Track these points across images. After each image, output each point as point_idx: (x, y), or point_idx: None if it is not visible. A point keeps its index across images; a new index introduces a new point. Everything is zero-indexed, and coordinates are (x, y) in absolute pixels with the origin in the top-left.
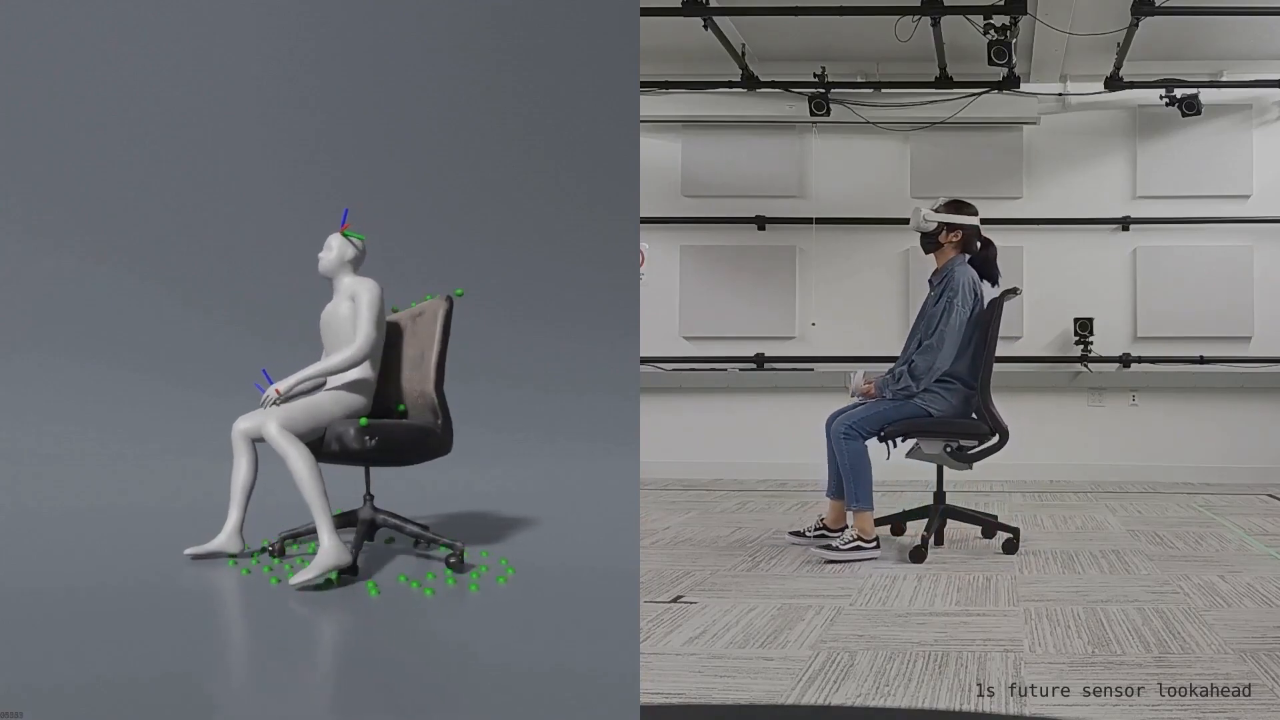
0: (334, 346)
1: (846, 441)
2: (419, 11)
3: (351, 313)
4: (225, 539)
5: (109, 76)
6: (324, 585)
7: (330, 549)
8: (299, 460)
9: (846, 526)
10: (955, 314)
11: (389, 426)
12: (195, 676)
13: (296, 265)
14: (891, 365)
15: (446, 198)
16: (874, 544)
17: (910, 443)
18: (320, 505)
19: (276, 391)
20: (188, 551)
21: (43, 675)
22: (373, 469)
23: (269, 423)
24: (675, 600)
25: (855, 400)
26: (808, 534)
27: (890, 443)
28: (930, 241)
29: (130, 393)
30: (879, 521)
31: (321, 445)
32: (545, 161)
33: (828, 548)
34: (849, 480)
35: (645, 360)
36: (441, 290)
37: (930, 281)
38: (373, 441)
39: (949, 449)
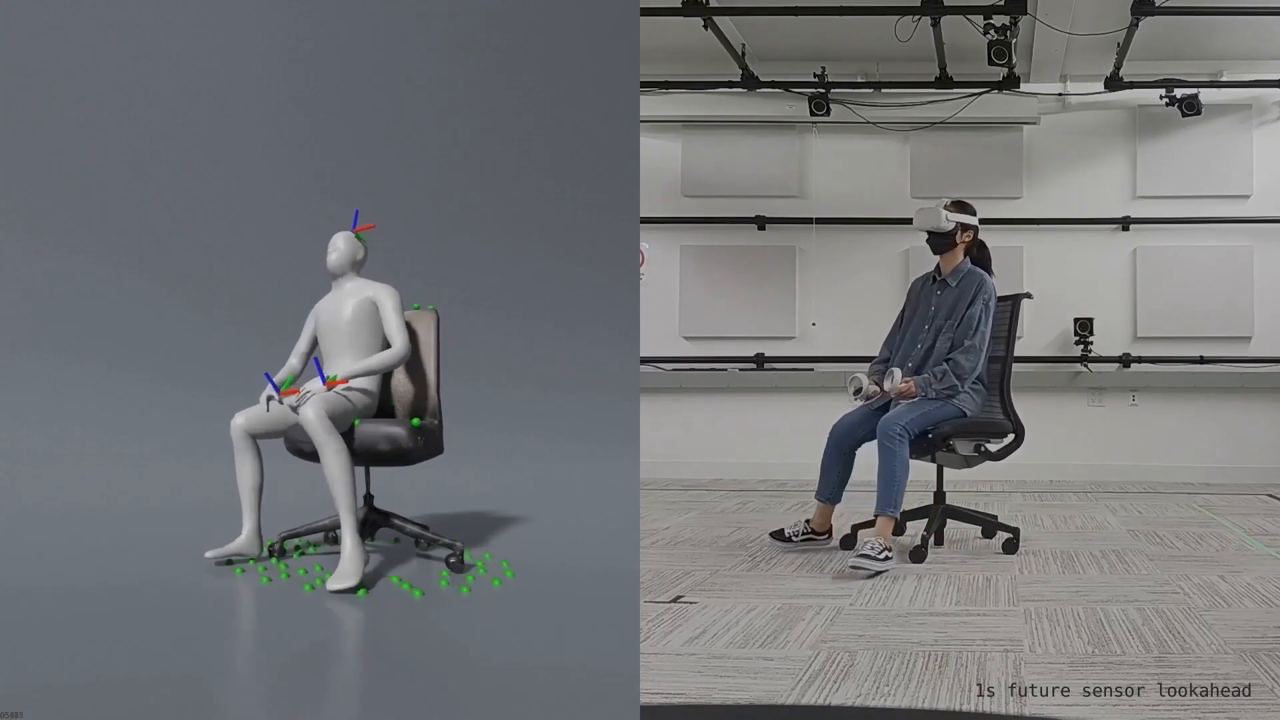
0: (334, 346)
1: (900, 444)
2: (419, 11)
3: (357, 315)
4: (244, 542)
5: (109, 76)
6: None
7: (358, 553)
8: (337, 454)
9: (839, 533)
10: (990, 317)
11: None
12: (196, 676)
13: (296, 265)
14: (895, 365)
15: (446, 198)
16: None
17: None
18: (349, 504)
19: (328, 385)
20: (208, 555)
21: (43, 675)
22: (372, 469)
23: (310, 409)
24: (675, 600)
25: (861, 402)
26: (794, 538)
27: (946, 445)
28: (944, 241)
29: (130, 393)
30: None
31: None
32: (545, 161)
33: (867, 557)
34: (889, 484)
35: (645, 360)
36: (438, 291)
37: (944, 280)
38: (422, 441)
39: (979, 449)
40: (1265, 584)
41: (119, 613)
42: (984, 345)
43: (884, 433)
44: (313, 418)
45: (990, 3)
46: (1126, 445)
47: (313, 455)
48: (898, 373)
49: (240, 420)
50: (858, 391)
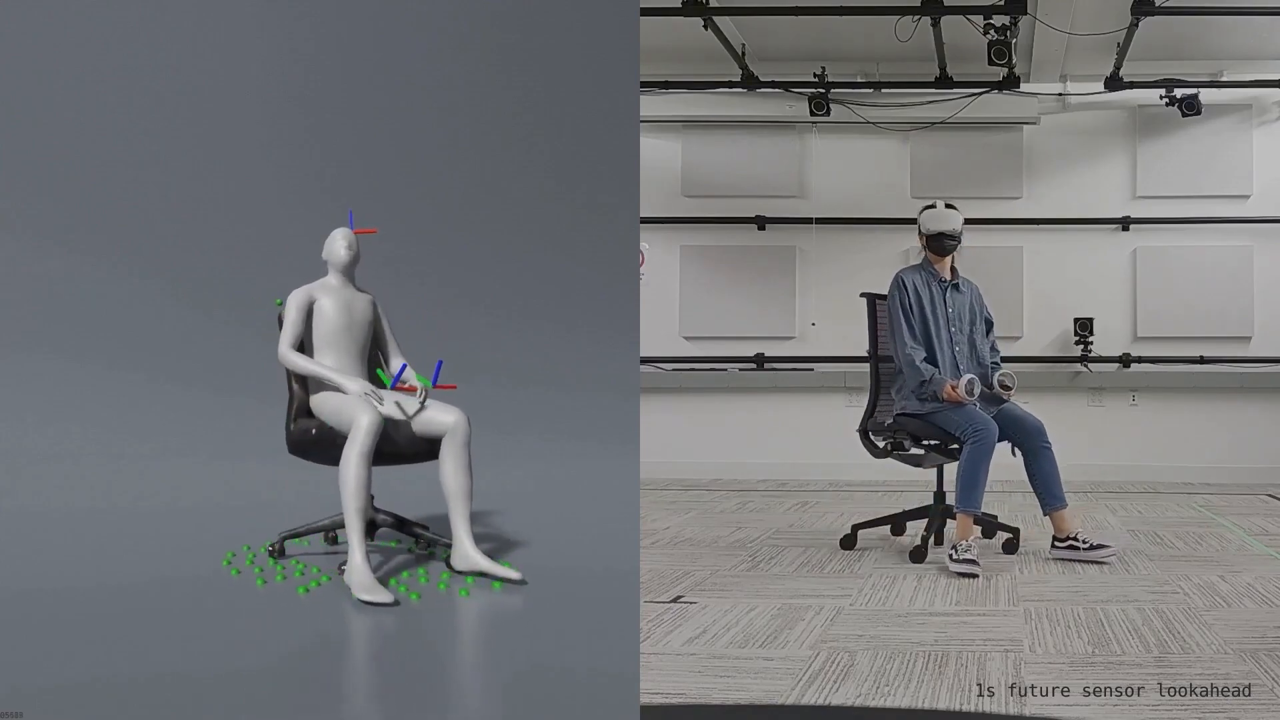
0: (345, 347)
1: None
2: (419, 12)
3: (370, 319)
4: (370, 577)
5: (109, 76)
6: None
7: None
8: (469, 464)
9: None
10: None
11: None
12: (195, 676)
13: (296, 265)
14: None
15: (446, 198)
16: None
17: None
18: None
19: (447, 387)
20: (366, 599)
21: (43, 675)
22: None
23: (460, 416)
24: (675, 600)
25: (971, 400)
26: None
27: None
28: (955, 244)
29: (130, 393)
30: (880, 521)
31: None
32: (545, 161)
33: (1092, 547)
34: (1059, 479)
35: (645, 360)
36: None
37: (954, 284)
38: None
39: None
40: (1265, 584)
41: (119, 613)
42: None
43: (1041, 435)
44: (468, 426)
45: (990, 3)
46: (1126, 445)
47: (389, 458)
48: (1010, 372)
49: (372, 422)
50: (972, 391)
